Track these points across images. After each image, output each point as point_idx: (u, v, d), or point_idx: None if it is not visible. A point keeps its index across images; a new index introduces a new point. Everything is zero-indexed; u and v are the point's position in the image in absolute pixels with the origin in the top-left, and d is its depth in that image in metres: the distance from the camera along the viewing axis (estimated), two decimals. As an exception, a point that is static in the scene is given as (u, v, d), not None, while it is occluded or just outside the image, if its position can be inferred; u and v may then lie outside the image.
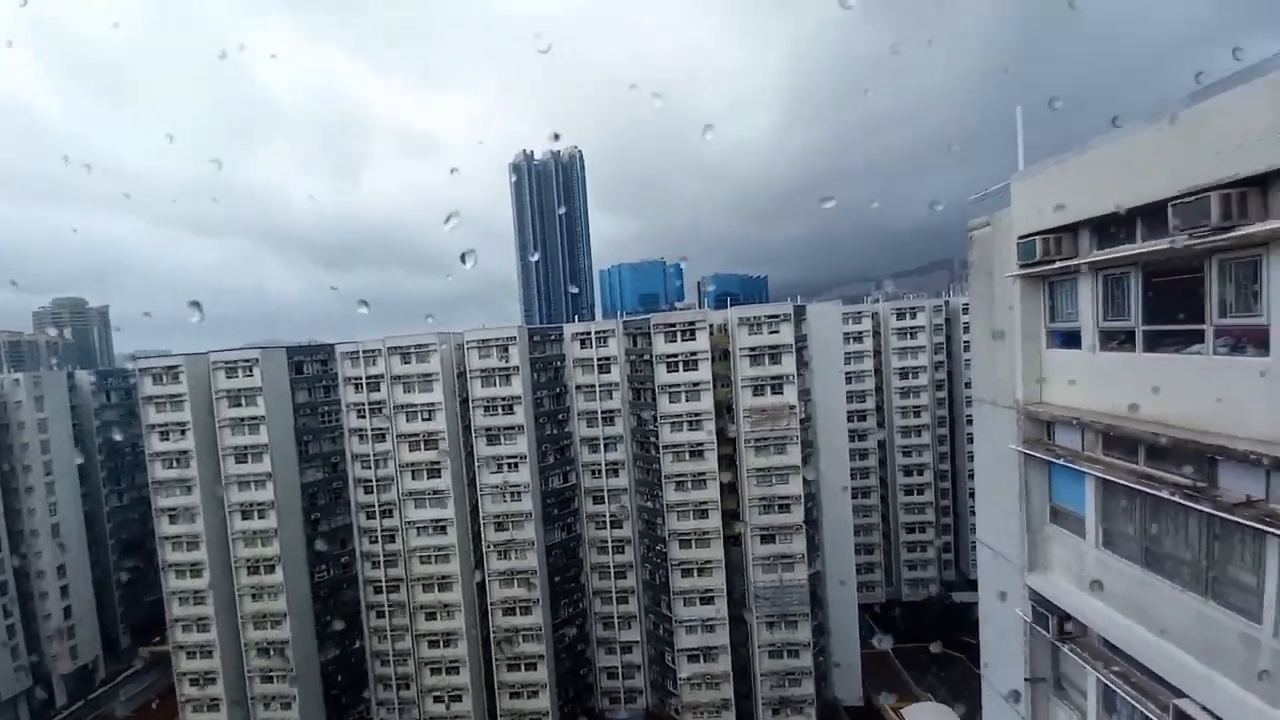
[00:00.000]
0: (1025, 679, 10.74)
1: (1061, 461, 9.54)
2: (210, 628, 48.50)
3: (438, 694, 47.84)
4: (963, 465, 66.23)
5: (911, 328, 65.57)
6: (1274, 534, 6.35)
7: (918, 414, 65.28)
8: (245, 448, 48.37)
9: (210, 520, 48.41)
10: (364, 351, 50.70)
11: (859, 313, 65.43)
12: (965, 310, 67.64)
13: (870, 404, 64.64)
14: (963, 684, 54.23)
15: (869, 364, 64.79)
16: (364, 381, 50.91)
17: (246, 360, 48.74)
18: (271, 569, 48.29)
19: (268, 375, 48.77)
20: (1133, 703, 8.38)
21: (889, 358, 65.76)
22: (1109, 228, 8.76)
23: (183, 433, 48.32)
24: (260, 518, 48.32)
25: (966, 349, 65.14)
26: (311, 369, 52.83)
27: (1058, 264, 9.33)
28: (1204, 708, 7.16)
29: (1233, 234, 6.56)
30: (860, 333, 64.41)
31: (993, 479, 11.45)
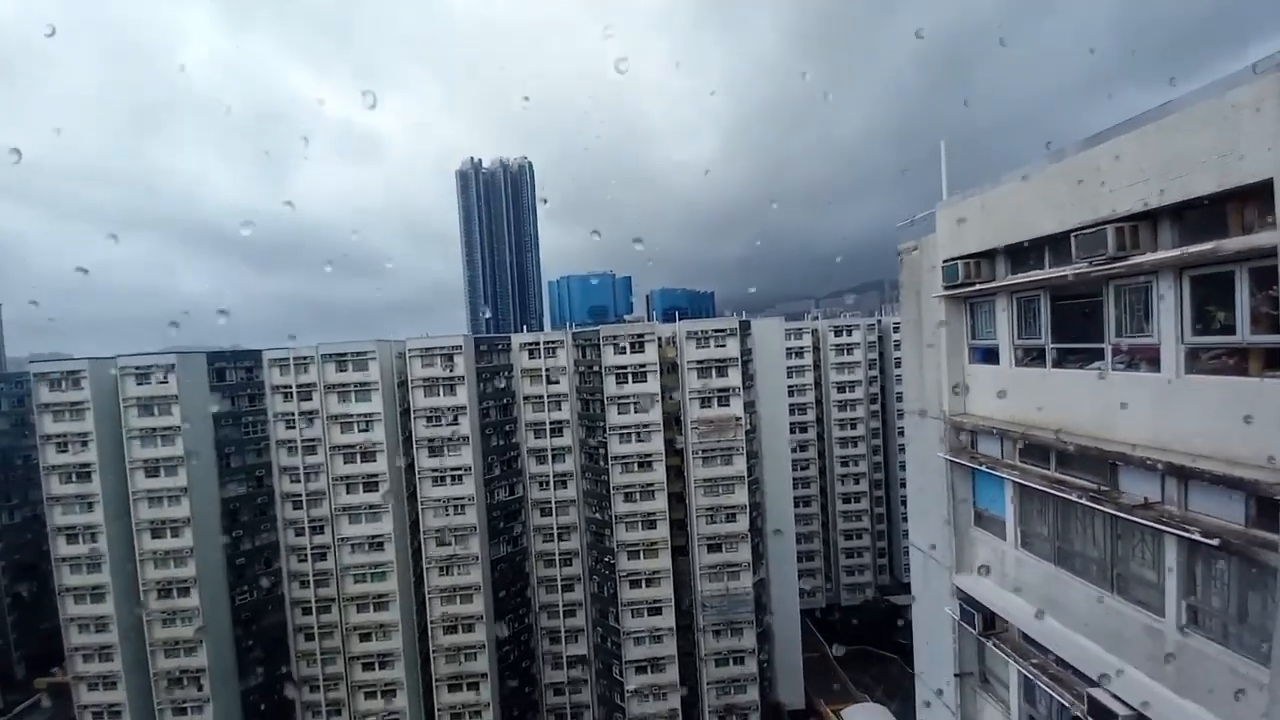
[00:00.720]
0: (954, 674, 11.39)
1: (984, 468, 10.27)
2: (114, 656, 44.10)
3: (373, 718, 45.21)
4: (895, 474, 69.66)
5: (848, 344, 68.75)
6: (1170, 533, 7.06)
7: (854, 426, 68.27)
8: (157, 460, 44.55)
9: (115, 540, 44.16)
10: (295, 359, 47.94)
11: (800, 329, 68.07)
12: (896, 329, 71.74)
13: (811, 416, 67.08)
14: (898, 683, 56.66)
15: (810, 378, 67.35)
16: (294, 390, 48.09)
17: (160, 365, 45.08)
18: (186, 591, 44.48)
19: (184, 382, 45.24)
20: (1050, 693, 9.05)
21: (828, 372, 68.59)
22: (1021, 254, 9.61)
23: (84, 444, 44.02)
24: (174, 536, 44.50)
25: (898, 365, 68.85)
26: (235, 376, 49.44)
27: (977, 286, 10.11)
28: (1115, 696, 7.82)
29: (1126, 262, 7.33)
30: (801, 348, 66.92)
31: (922, 485, 12.17)
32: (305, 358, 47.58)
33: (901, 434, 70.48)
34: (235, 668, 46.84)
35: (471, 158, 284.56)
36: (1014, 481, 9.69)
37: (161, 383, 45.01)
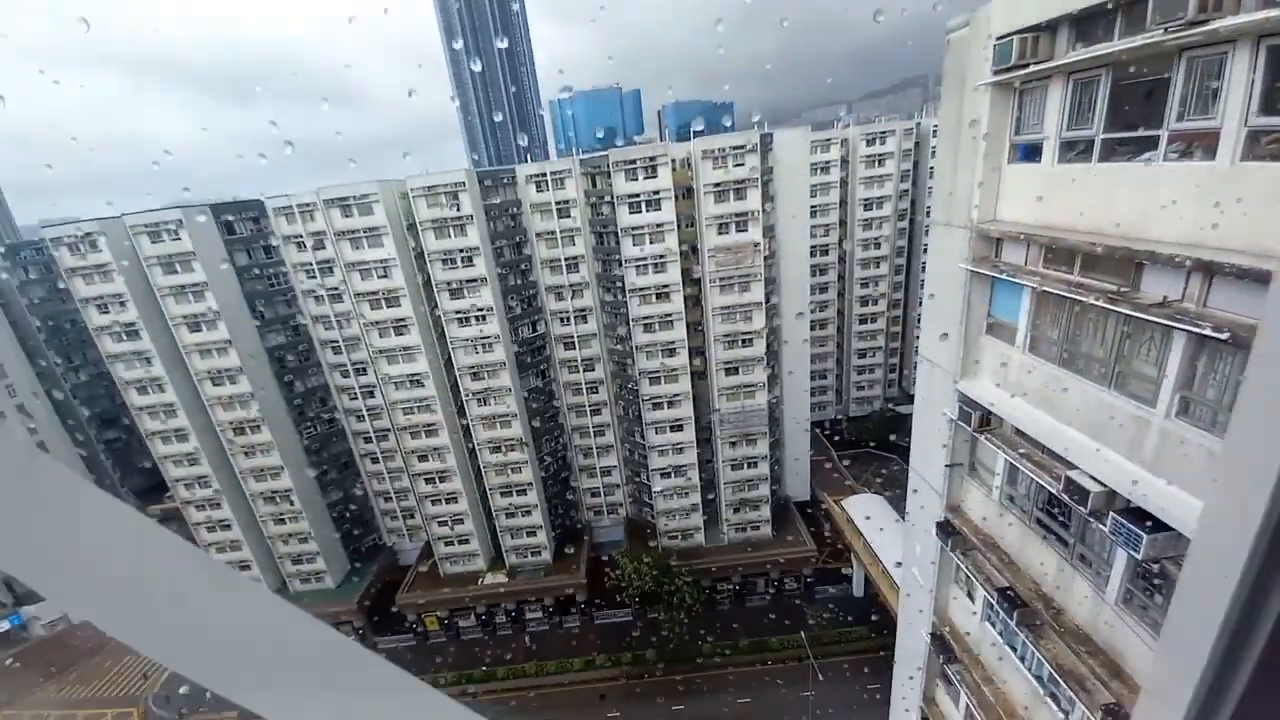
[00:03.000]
0: (945, 465, 12.61)
1: (1004, 276, 10.11)
2: (211, 482, 51.31)
3: (441, 519, 53.44)
4: (915, 293, 69.44)
5: (880, 155, 63.41)
6: (1179, 329, 7.12)
7: (878, 245, 66.27)
8: (195, 316, 46.57)
9: (181, 387, 48.34)
10: (299, 206, 46.79)
11: (828, 140, 62.36)
12: (935, 133, 65.29)
13: (833, 236, 64.98)
14: (896, 479, 63.40)
15: (835, 195, 63.75)
16: (306, 240, 47.86)
17: (169, 222, 44.64)
18: (257, 428, 49.83)
19: (197, 237, 45.14)
20: (1032, 475, 10.05)
21: (855, 187, 64.56)
22: (1089, 24, 8.26)
23: (122, 304, 45.82)
24: (231, 383, 48.44)
25: (933, 175, 64.14)
26: (244, 228, 48.95)
27: (1031, 67, 8.89)
28: (1091, 476, 8.65)
29: (1205, 28, 6.33)
30: (828, 162, 62.18)
31: (939, 297, 12.16)
32: (308, 204, 46.37)
33: (927, 250, 68.79)
34: (316, 486, 54.37)
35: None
36: (1033, 288, 9.60)
37: (175, 239, 44.97)
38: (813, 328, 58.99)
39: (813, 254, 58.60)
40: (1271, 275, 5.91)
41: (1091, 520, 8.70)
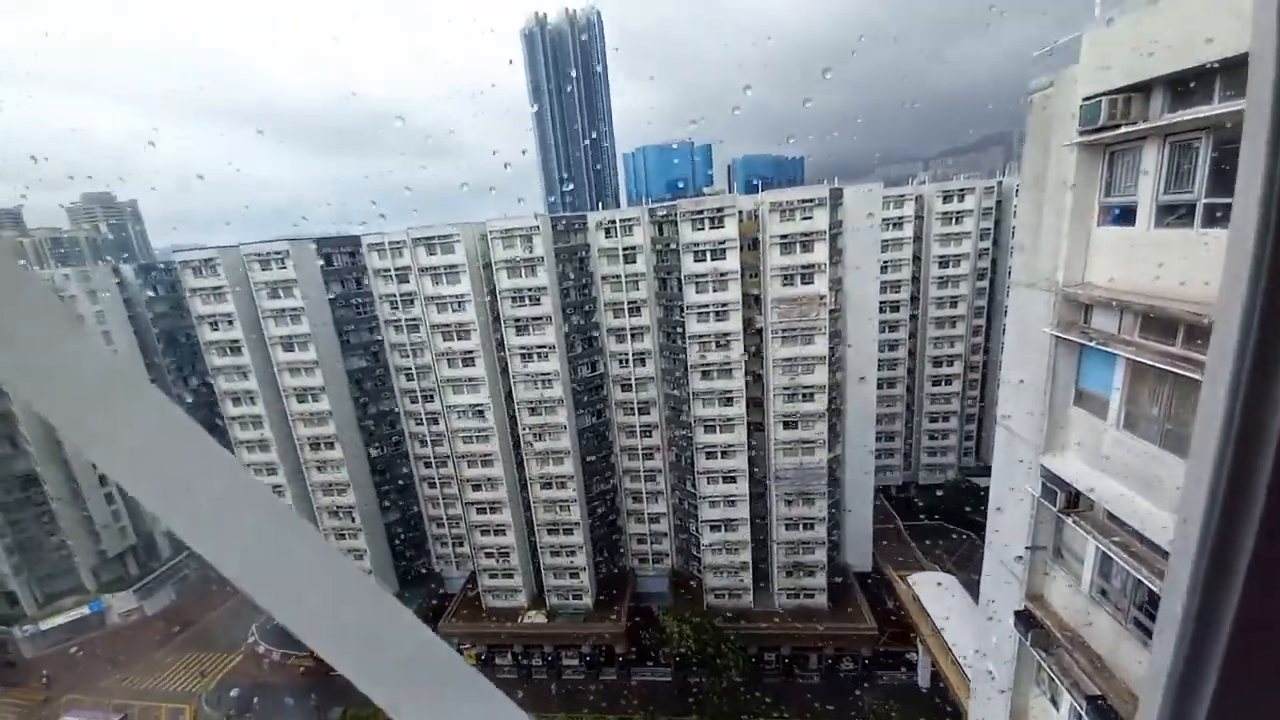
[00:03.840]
0: (1026, 547, 11.42)
1: (1094, 344, 9.33)
2: (284, 494, 54.43)
3: (489, 550, 53.86)
4: (996, 356, 65.43)
5: (957, 212, 61.58)
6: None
7: (954, 304, 63.45)
8: (290, 337, 50.86)
9: (269, 402, 52.42)
10: (390, 243, 50.89)
11: (901, 196, 61.29)
12: (1018, 191, 62.86)
13: (905, 293, 62.85)
14: (969, 558, 58.12)
15: (907, 251, 62.02)
16: (393, 273, 51.70)
17: (278, 252, 49.62)
18: (331, 445, 52.94)
19: (300, 267, 49.82)
20: (1128, 569, 8.90)
21: (929, 244, 62.70)
22: (1185, 86, 7.78)
23: (230, 323, 50.80)
24: (314, 401, 52.04)
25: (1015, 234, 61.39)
26: (340, 261, 53.63)
27: (1123, 129, 8.43)
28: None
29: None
30: (901, 218, 60.88)
31: (1019, 363, 11.35)
32: (398, 242, 50.32)
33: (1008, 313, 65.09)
34: (377, 507, 56.58)
35: (536, 13, 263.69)
36: (1128, 359, 8.77)
37: (281, 267, 49.84)
38: (880, 386, 56.45)
39: (882, 310, 56.80)
40: None
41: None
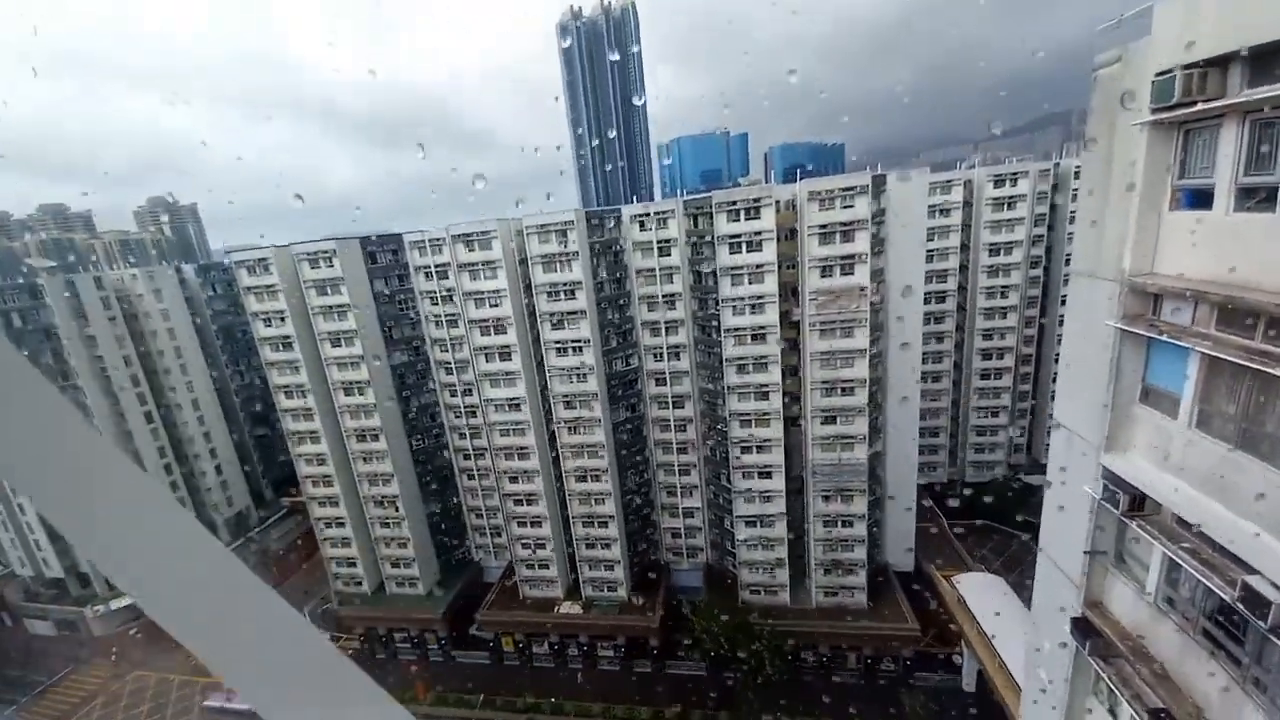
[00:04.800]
0: (1085, 551, 10.84)
1: (1164, 338, 8.72)
2: (333, 483, 56.83)
3: (525, 541, 54.93)
4: (1051, 349, 62.35)
5: (1010, 197, 58.72)
6: None
7: (1005, 294, 60.69)
8: (338, 333, 52.81)
9: (319, 395, 54.62)
10: (430, 240, 52.09)
11: (949, 182, 58.81)
12: (1077, 174, 59.43)
13: (951, 283, 60.45)
14: (1018, 559, 55.86)
15: (955, 239, 59.58)
16: (433, 270, 52.96)
17: (325, 251, 51.46)
18: (376, 437, 54.84)
19: (346, 265, 51.57)
20: (1198, 577, 8.34)
21: (979, 232, 60.07)
22: (1269, 60, 7.14)
23: (282, 319, 53.07)
24: (360, 394, 53.96)
25: (1074, 220, 58.22)
26: (384, 258, 55.20)
27: (1199, 105, 7.80)
28: (1275, 585, 7.02)
29: None
30: (948, 205, 58.48)
31: (1078, 359, 10.73)
32: (438, 239, 51.48)
33: (1066, 303, 61.71)
34: (419, 496, 58.39)
35: (571, 6, 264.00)
36: (1202, 353, 8.16)
37: (329, 266, 51.72)
38: (924, 380, 54.65)
39: (927, 301, 54.85)
40: None
41: (1273, 638, 7.01)
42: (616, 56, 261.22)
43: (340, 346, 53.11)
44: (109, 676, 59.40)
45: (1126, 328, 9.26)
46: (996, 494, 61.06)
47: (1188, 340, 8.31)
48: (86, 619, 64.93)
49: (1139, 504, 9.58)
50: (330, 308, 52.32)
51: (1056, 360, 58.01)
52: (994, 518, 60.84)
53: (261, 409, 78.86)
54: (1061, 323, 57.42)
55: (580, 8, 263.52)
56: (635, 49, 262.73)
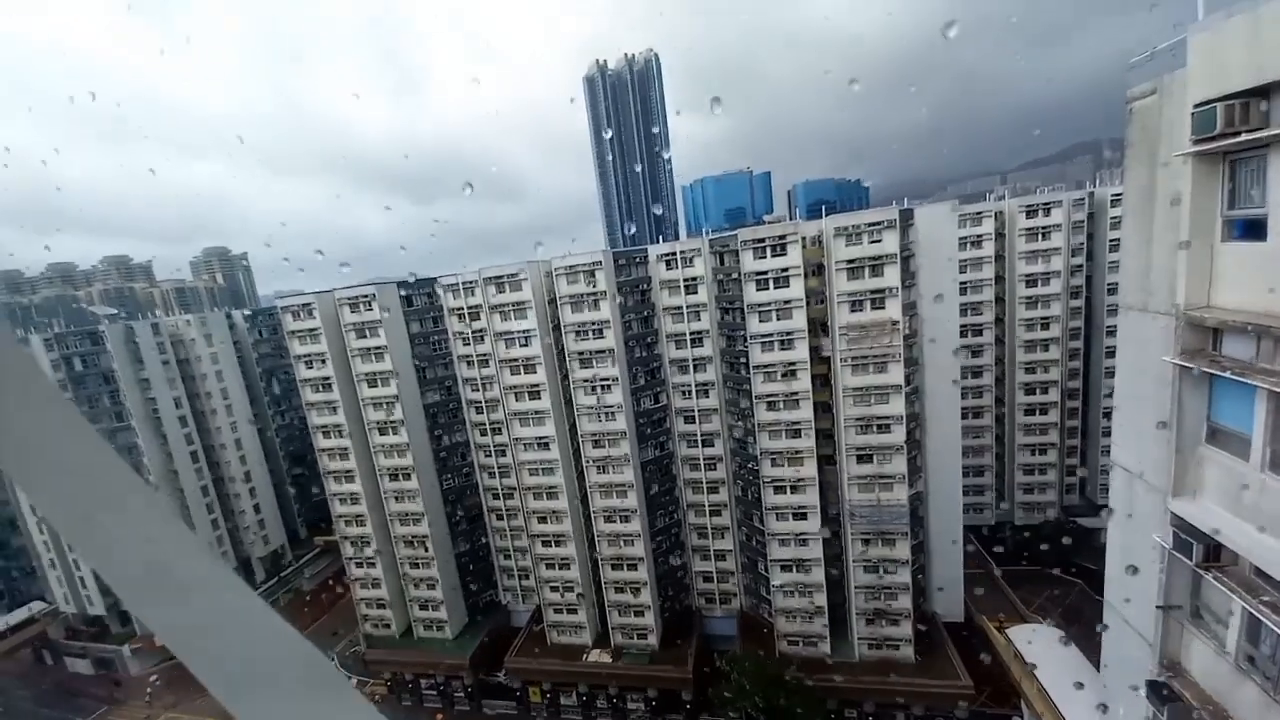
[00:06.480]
0: (1157, 606, 9.98)
1: (1227, 374, 8.19)
2: (365, 523, 57.34)
3: (553, 584, 53.89)
4: (1098, 383, 59.58)
5: (1044, 227, 57.57)
6: None
7: (1045, 326, 58.74)
8: (374, 374, 54.32)
9: (355, 435, 55.84)
10: (463, 283, 53.78)
11: (978, 213, 58.13)
12: (1114, 203, 58.02)
13: (988, 315, 58.90)
14: (1078, 610, 52.01)
15: (989, 271, 58.38)
16: (465, 311, 54.43)
17: (365, 296, 53.57)
18: (408, 476, 55.42)
19: (384, 308, 53.50)
20: (1289, 638, 7.55)
21: (1014, 263, 58.78)
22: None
23: (323, 361, 54.98)
24: (394, 434, 54.93)
25: (1114, 248, 56.54)
26: (419, 301, 57.12)
27: (1244, 135, 7.53)
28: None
29: None
30: (979, 236, 57.62)
31: (1135, 396, 10.15)
32: (470, 282, 53.12)
33: (1111, 334, 59.27)
34: (449, 536, 58.28)
35: (597, 60, 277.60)
36: (1271, 390, 7.62)
37: (368, 310, 53.75)
38: (965, 416, 52.58)
39: (963, 334, 53.43)
40: None
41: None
42: (640, 105, 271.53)
43: (376, 387, 54.50)
44: (142, 719, 59.67)
45: (1185, 364, 8.75)
46: (1050, 538, 57.50)
47: (1254, 378, 7.79)
48: (124, 657, 65.90)
49: (1214, 554, 8.83)
50: (368, 350, 54.03)
51: (1108, 395, 55.31)
52: (1048, 563, 57.05)
53: (299, 449, 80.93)
54: (1109, 354, 55.07)
55: (605, 61, 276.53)
56: (658, 98, 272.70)
